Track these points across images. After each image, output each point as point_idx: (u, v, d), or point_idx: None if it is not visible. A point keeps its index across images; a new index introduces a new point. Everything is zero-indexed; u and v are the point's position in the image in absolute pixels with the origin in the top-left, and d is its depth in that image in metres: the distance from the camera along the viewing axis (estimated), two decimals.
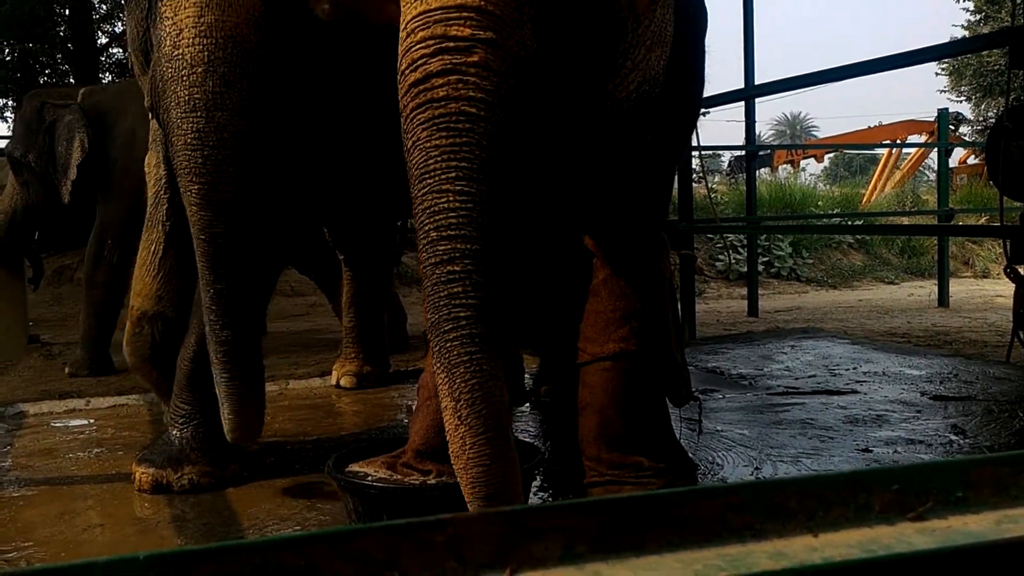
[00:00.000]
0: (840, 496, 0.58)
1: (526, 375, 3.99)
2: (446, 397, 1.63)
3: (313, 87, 2.56)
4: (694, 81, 3.16)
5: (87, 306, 5.19)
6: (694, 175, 7.40)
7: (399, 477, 2.24)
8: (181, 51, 2.21)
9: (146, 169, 3.15)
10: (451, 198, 1.64)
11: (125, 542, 2.43)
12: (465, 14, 1.68)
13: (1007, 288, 5.14)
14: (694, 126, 3.54)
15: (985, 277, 12.29)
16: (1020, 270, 4.37)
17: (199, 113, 2.22)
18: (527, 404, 3.74)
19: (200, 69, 2.20)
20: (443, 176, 1.64)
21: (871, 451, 2.97)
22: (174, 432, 2.81)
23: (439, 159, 1.65)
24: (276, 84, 2.35)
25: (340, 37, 2.38)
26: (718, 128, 58.05)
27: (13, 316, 6.05)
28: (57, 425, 3.75)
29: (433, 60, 1.68)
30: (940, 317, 7.87)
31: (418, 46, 1.69)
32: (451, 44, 1.68)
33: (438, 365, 1.63)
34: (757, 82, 7.14)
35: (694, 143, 4.24)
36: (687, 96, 3.11)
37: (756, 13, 7.24)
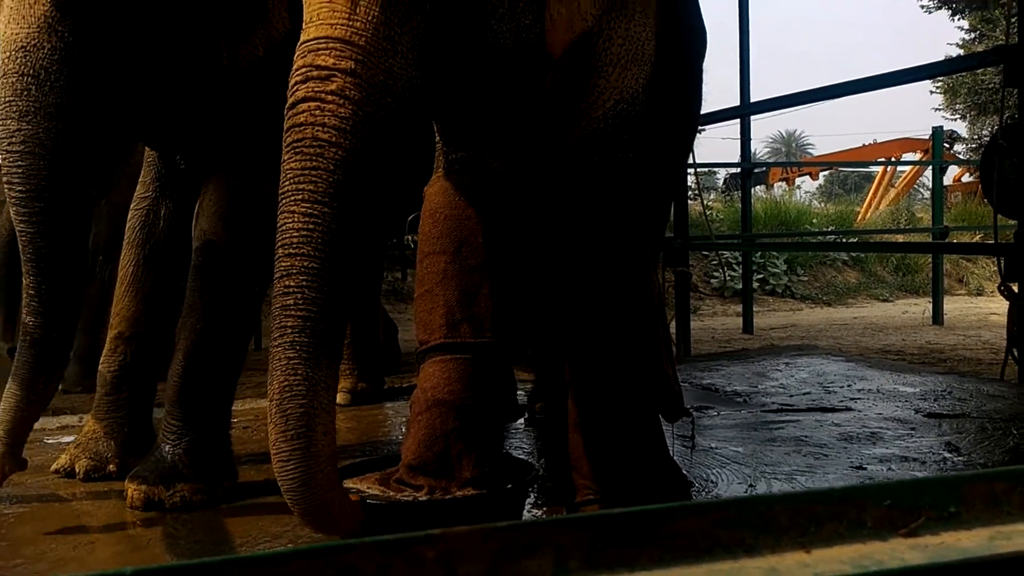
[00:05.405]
0: (833, 512, 0.58)
1: (519, 391, 3.98)
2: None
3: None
4: (691, 102, 3.15)
5: (80, 322, 5.16)
6: (690, 192, 7.43)
7: (392, 493, 2.23)
8: None
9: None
10: (296, 219, 1.76)
11: (116, 559, 2.41)
12: (332, 45, 1.80)
13: (1001, 306, 5.16)
14: (690, 147, 3.54)
15: (979, 295, 12.33)
16: (1014, 288, 4.39)
17: None
18: (521, 420, 3.72)
19: None
20: (292, 198, 1.77)
21: (865, 468, 2.97)
22: (166, 448, 2.79)
23: (292, 181, 1.77)
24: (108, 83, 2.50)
25: None
26: (713, 145, 58.24)
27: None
28: (50, 442, 3.72)
29: (302, 87, 1.81)
30: (934, 335, 7.89)
31: (295, 73, 1.82)
32: (315, 72, 1.80)
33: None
34: (753, 100, 7.18)
35: (689, 160, 4.24)
36: (683, 117, 3.11)
37: (751, 31, 7.29)
